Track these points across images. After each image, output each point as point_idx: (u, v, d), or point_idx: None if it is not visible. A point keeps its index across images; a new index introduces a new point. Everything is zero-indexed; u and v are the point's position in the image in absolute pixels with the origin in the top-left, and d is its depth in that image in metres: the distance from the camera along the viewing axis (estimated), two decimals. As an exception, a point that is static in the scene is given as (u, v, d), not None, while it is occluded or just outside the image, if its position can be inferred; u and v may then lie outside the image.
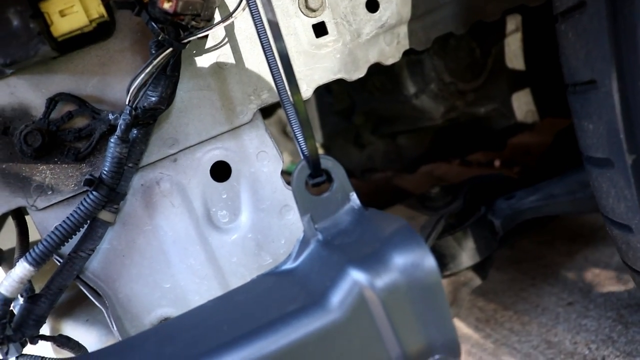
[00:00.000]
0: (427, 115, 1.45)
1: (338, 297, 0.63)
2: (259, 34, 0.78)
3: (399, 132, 1.73)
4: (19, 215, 1.06)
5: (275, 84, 0.76)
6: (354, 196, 0.76)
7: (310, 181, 0.75)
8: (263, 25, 0.79)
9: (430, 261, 0.63)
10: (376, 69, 1.10)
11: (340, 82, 1.05)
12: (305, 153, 0.74)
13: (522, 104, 1.48)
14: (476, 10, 1.14)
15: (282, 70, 0.73)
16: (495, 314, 1.74)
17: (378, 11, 1.03)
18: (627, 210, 0.81)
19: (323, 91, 1.75)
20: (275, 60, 0.76)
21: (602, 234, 1.92)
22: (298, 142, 0.75)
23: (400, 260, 0.63)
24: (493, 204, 1.42)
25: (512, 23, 1.43)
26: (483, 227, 1.40)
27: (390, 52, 1.08)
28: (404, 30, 1.08)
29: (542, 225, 1.66)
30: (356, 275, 0.63)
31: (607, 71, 0.74)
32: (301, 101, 0.72)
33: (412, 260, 0.63)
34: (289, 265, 0.75)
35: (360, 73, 1.06)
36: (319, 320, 0.62)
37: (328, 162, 0.75)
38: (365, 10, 1.03)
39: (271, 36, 0.71)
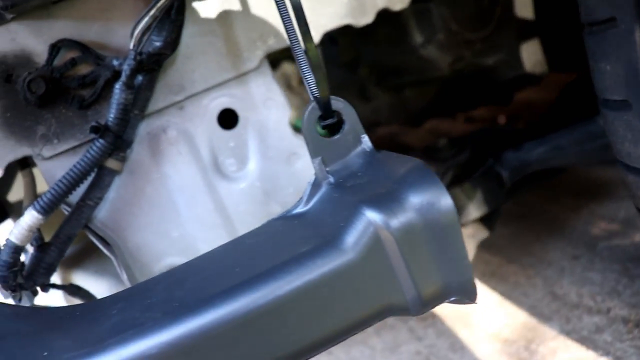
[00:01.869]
0: (434, 65, 1.43)
1: (352, 237, 0.62)
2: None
3: (404, 85, 1.70)
4: (26, 165, 1.05)
5: (283, 22, 0.74)
6: (365, 138, 0.75)
7: (321, 123, 0.73)
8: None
9: (447, 200, 0.62)
10: (382, 18, 1.08)
11: (346, 33, 1.03)
12: (315, 94, 0.72)
13: (531, 55, 1.45)
14: (486, -45, 1.11)
15: (291, 10, 0.70)
16: (500, 268, 1.75)
17: (386, -47, 1.00)
18: (643, 154, 0.80)
19: (328, 43, 1.72)
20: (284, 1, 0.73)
21: (608, 189, 1.91)
22: (308, 83, 0.73)
23: (416, 199, 0.62)
24: (501, 156, 1.41)
25: (522, -30, 1.40)
26: (490, 178, 1.39)
27: (399, -3, 1.06)
28: (412, -26, 1.05)
29: (548, 179, 1.65)
30: (371, 215, 0.62)
31: (628, 7, 0.72)
32: (312, 42, 0.70)
33: (428, 199, 0.62)
34: (300, 209, 0.74)
35: (368, 19, 1.03)
36: (333, 261, 0.61)
37: (339, 104, 0.73)
38: (373, -49, 1.00)
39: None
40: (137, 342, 0.58)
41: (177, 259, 0.97)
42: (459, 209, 1.35)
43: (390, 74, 1.64)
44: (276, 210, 0.99)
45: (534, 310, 1.52)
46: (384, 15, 1.06)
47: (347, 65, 1.69)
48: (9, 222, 1.39)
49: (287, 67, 1.86)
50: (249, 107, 0.97)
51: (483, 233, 1.46)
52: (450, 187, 1.35)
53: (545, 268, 1.67)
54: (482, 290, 1.67)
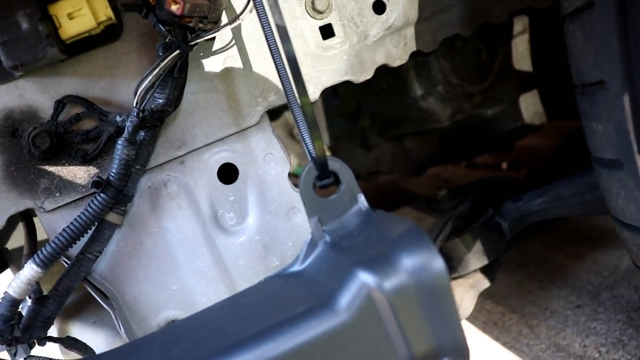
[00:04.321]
0: (434, 117, 1.45)
1: (346, 299, 0.63)
2: (266, 37, 0.78)
3: (405, 135, 1.73)
4: (27, 216, 1.06)
5: (283, 87, 0.76)
6: (361, 198, 0.76)
7: (318, 183, 0.74)
8: (270, 27, 0.78)
9: (438, 263, 0.62)
10: (383, 71, 1.10)
11: (347, 84, 1.05)
12: (313, 155, 0.74)
13: (530, 106, 1.48)
14: (483, 12, 1.14)
15: (289, 73, 0.72)
16: (503, 317, 1.74)
17: (385, 13, 1.03)
18: (638, 212, 0.81)
19: (330, 93, 1.75)
20: (283, 63, 0.76)
21: (611, 236, 1.90)
22: (305, 144, 0.75)
23: (409, 262, 0.63)
24: (501, 206, 1.41)
25: (520, 25, 1.43)
26: (491, 229, 1.39)
27: (397, 54, 1.08)
28: (410, 31, 1.08)
29: (550, 228, 1.65)
30: (364, 277, 0.63)
31: (616, 71, 0.74)
32: (309, 103, 0.72)
33: (420, 262, 0.63)
34: (297, 268, 0.75)
35: (367, 75, 1.06)
36: (327, 322, 0.62)
37: (336, 164, 0.75)
38: (372, 12, 1.03)
39: (279, 38, 0.71)
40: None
41: (175, 312, 0.97)
42: (459, 259, 1.35)
43: (392, 125, 1.67)
44: (275, 264, 1.00)
45: (537, 362, 1.50)
46: (384, 68, 1.08)
47: (349, 115, 1.72)
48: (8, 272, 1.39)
49: (289, 115, 1.89)
50: (249, 162, 0.99)
51: (484, 283, 1.46)
52: (450, 237, 1.35)
53: (548, 317, 1.65)
54: (485, 340, 1.66)
